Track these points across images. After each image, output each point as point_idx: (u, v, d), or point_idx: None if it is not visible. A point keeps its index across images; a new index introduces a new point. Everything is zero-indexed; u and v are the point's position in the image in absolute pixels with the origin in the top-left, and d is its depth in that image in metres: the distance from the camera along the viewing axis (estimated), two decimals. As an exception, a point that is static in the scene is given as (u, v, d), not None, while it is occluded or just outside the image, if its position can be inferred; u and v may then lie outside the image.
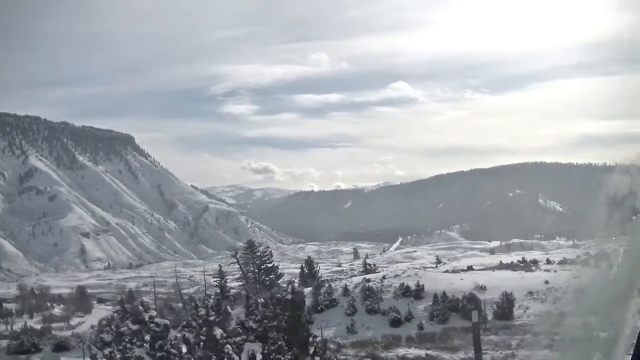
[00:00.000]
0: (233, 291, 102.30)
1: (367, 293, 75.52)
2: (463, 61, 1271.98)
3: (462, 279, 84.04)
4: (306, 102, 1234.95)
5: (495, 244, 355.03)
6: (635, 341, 3.42)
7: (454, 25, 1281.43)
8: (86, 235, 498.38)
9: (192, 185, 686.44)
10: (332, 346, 60.32)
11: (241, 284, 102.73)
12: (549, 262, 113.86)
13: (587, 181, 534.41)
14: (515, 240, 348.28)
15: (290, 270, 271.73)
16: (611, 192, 3.77)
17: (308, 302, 77.44)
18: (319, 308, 75.95)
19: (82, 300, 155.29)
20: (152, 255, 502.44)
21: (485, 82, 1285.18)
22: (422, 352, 54.93)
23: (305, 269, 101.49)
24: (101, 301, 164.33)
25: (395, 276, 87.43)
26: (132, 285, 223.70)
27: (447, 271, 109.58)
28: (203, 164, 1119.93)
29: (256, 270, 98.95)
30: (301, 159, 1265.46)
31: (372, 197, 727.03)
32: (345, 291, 79.61)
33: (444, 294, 72.14)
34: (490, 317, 68.52)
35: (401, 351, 56.15)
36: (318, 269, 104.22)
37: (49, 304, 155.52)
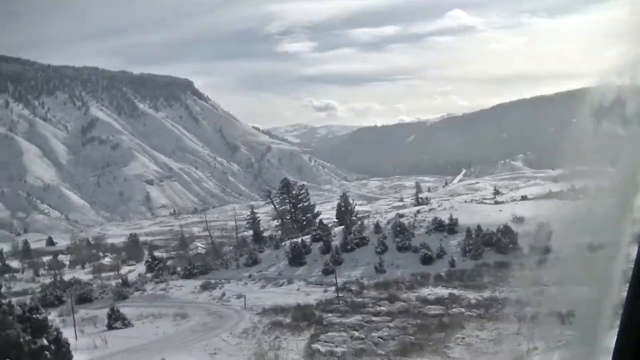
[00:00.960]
0: (268, 232, 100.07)
1: (398, 229, 71.89)
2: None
3: (500, 210, 79.86)
4: (362, 35, 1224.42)
5: (559, 171, 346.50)
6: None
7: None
8: (150, 182, 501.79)
9: (253, 126, 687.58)
10: (353, 287, 57.52)
11: (277, 224, 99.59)
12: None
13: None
14: (580, 168, 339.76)
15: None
16: (596, 101, 3.51)
17: (337, 241, 74.55)
18: (349, 247, 72.58)
19: (134, 249, 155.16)
20: (216, 198, 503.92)
21: (542, 5, 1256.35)
22: (447, 292, 51.91)
23: (341, 206, 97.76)
24: (155, 248, 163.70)
25: (430, 210, 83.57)
26: (195, 229, 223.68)
27: (501, 202, 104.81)
28: (265, 104, 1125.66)
29: (292, 210, 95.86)
30: (362, 93, 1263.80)
31: (435, 129, 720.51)
32: (377, 228, 76.10)
33: (478, 227, 68.58)
34: (525, 250, 64.55)
35: (425, 291, 53.24)
36: (354, 205, 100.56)
37: (101, 254, 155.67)
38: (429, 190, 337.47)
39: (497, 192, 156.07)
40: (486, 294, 50.27)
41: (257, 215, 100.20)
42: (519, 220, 72.02)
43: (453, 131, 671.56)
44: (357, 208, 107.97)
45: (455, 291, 52.19)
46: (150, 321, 51.22)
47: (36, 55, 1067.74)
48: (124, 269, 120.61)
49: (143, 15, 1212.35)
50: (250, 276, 72.43)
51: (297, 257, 73.84)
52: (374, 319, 43.86)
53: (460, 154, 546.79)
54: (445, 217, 74.56)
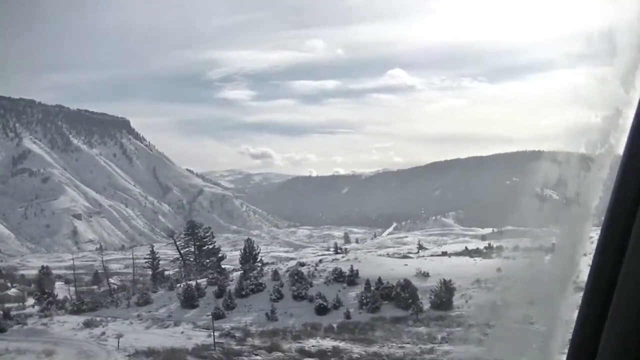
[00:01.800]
0: (169, 272, 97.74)
1: (295, 277, 69.92)
2: (461, 50, 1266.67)
3: (406, 265, 78.87)
4: (302, 88, 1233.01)
5: (487, 230, 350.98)
6: (570, 334, 3.04)
7: (451, 13, 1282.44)
8: (78, 217, 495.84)
9: (187, 169, 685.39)
10: (238, 334, 55.46)
11: (176, 268, 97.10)
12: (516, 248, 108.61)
13: (577, 170, 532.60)
14: (509, 227, 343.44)
15: (276, 253, 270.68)
16: (540, 181, 3.37)
17: (233, 286, 72.62)
18: (243, 292, 70.45)
19: (45, 281, 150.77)
20: (144, 237, 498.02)
21: (484, 71, 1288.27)
22: (333, 344, 50.32)
23: (246, 251, 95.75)
24: (68, 282, 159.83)
25: (333, 260, 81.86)
26: (115, 266, 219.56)
27: (421, 256, 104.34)
28: (201, 148, 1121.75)
29: (196, 252, 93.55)
30: (300, 144, 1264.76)
31: (369, 183, 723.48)
32: (275, 275, 74.14)
33: (379, 280, 66.96)
34: (426, 306, 63.29)
35: (311, 342, 51.59)
36: (258, 250, 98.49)
37: (9, 284, 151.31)
38: (356, 242, 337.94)
39: (420, 247, 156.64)
40: (373, 348, 48.89)
41: (158, 254, 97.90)
42: (423, 275, 71.04)
43: (387, 186, 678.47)
44: (282, 255, 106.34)
45: (341, 344, 50.61)
46: (12, 357, 48.42)
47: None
48: (29, 301, 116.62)
49: (84, 53, 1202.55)
50: (138, 316, 69.55)
51: (189, 300, 71.42)
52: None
53: (393, 208, 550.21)
54: (347, 269, 72.93)
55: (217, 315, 64.32)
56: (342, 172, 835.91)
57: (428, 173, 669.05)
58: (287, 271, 76.11)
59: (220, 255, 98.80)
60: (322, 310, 63.94)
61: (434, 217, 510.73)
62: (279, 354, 46.31)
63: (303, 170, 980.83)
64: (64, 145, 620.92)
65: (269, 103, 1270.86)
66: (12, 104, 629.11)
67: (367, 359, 44.82)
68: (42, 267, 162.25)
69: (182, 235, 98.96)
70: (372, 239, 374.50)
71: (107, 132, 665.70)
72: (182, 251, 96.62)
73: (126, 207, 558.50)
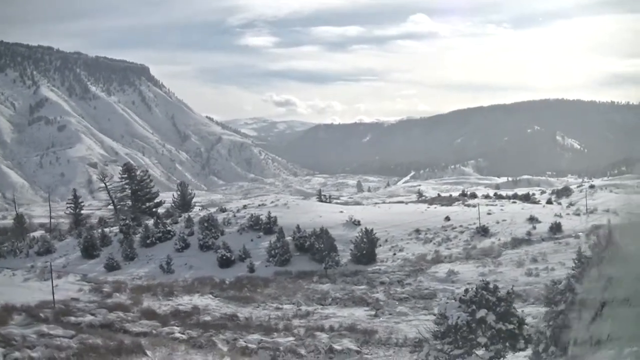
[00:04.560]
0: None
1: (205, 225, 62.25)
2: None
3: (341, 211, 71.16)
4: (325, 34, 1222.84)
5: (502, 179, 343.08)
6: None
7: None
8: (93, 166, 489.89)
9: (207, 116, 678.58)
10: (107, 289, 48.52)
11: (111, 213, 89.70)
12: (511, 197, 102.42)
13: (608, 119, 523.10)
14: (525, 176, 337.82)
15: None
16: (626, 148, 2.56)
17: (138, 235, 65.69)
18: (149, 241, 62.90)
19: (17, 229, 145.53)
20: (160, 186, 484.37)
21: (508, 17, 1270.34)
22: (209, 302, 44.11)
23: (178, 195, 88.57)
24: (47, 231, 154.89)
25: (259, 205, 74.32)
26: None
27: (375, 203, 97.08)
28: (225, 96, 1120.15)
29: (132, 197, 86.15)
30: (324, 92, 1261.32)
31: (392, 131, 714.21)
32: (188, 222, 66.56)
33: (298, 228, 59.21)
34: (346, 259, 55.61)
35: (185, 299, 45.39)
36: (192, 195, 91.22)
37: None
38: (369, 190, 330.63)
39: (420, 195, 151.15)
40: (247, 309, 42.06)
41: (80, 199, 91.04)
42: (354, 223, 63.45)
43: (409, 134, 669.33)
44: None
45: (214, 302, 43.80)
46: None
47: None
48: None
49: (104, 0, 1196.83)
50: (32, 267, 62.56)
51: (89, 249, 64.30)
52: (59, 332, 34.48)
53: (413, 157, 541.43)
54: (275, 214, 65.54)
55: (112, 267, 58.07)
56: (366, 120, 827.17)
57: (451, 121, 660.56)
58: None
59: (158, 200, 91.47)
60: (225, 262, 56.79)
61: (453, 166, 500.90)
62: (126, 314, 39.24)
63: (327, 118, 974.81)
64: (82, 92, 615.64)
65: (292, 50, 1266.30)
66: (29, 52, 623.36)
67: (219, 322, 37.52)
68: (17, 215, 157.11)
69: (117, 179, 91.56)
70: (385, 187, 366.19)
71: (126, 79, 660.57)
72: (119, 195, 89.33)
73: (143, 155, 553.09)
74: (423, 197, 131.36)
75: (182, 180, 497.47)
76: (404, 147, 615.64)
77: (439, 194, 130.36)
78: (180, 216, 74.97)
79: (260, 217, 64.74)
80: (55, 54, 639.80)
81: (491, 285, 21.24)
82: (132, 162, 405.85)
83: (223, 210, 72.88)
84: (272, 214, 65.64)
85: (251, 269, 54.82)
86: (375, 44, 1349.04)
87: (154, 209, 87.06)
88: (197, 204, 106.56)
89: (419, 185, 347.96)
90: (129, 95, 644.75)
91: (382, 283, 49.20)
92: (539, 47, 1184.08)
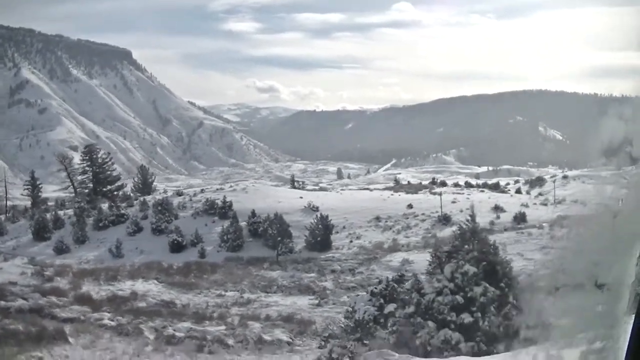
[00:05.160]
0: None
1: (159, 208, 60.59)
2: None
3: (300, 197, 69.67)
4: (308, 21, 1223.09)
5: (483, 169, 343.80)
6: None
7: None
8: (74, 149, 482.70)
9: (189, 101, 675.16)
10: (47, 272, 47.02)
11: (71, 194, 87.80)
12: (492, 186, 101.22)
13: (590, 111, 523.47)
14: (505, 166, 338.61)
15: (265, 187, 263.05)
16: (606, 139, 3.32)
17: (92, 219, 64.01)
18: (101, 224, 61.23)
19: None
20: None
21: (492, 7, 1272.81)
22: (152, 287, 42.80)
23: (138, 179, 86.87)
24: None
25: (217, 190, 72.94)
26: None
27: (339, 189, 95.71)
28: (208, 81, 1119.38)
29: (93, 179, 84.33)
30: (307, 78, 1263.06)
31: (374, 119, 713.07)
32: (142, 205, 64.89)
33: (252, 213, 57.59)
34: (300, 246, 54.19)
35: (128, 284, 43.70)
36: (153, 179, 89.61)
37: None
38: (349, 177, 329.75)
39: (397, 182, 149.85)
40: (188, 295, 40.73)
41: (39, 181, 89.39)
42: (312, 209, 61.98)
43: (391, 122, 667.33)
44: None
45: (157, 288, 42.57)
46: None
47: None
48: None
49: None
50: (-19, 249, 60.88)
51: (40, 231, 62.52)
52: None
53: (395, 145, 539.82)
54: (232, 199, 64.02)
55: (61, 250, 56.62)
56: (349, 107, 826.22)
57: (433, 110, 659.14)
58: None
59: (119, 183, 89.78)
60: (176, 247, 55.32)
61: (434, 155, 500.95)
62: (53, 298, 37.84)
63: (310, 105, 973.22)
64: (63, 75, 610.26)
65: (276, 36, 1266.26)
66: (11, 33, 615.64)
67: (153, 309, 36.18)
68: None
69: (78, 161, 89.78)
70: (365, 174, 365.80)
71: (108, 63, 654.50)
72: (80, 177, 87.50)
73: (124, 139, 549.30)
74: (397, 185, 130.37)
75: (165, 164, 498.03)
76: (386, 135, 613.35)
77: (409, 182, 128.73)
78: (137, 199, 73.33)
79: (216, 201, 63.19)
80: (37, 36, 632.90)
81: (408, 277, 20.10)
82: (112, 145, 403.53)
83: (180, 194, 71.42)
84: (230, 199, 64.14)
85: (202, 254, 53.48)
86: (359, 32, 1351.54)
87: (115, 192, 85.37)
88: (169, 189, 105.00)
89: (399, 173, 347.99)
90: (111, 79, 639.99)
91: (333, 271, 47.97)
92: (522, 37, 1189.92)
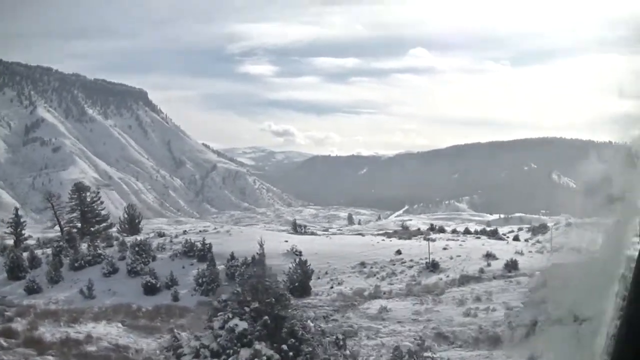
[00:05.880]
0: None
1: (136, 249, 58.77)
2: (484, 32, 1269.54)
3: (286, 241, 67.74)
4: (324, 64, 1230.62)
5: (495, 216, 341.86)
6: (615, 330, 3.14)
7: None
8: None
9: (203, 144, 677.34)
10: (8, 312, 45.45)
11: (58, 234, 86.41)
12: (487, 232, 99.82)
13: (602, 159, 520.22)
14: (517, 214, 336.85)
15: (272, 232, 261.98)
16: (586, 178, 3.61)
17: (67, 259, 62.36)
18: (77, 264, 59.46)
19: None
20: (152, 211, 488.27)
21: (506, 54, 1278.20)
22: (112, 330, 41.12)
23: (125, 217, 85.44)
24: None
25: (200, 232, 71.33)
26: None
27: (332, 234, 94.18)
28: (223, 123, 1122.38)
29: (81, 217, 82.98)
30: (323, 123, 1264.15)
31: (389, 164, 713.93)
32: (122, 246, 63.13)
33: (232, 256, 55.87)
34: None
35: (90, 326, 41.90)
36: (140, 218, 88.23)
37: None
38: (359, 223, 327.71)
39: (405, 228, 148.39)
40: (146, 340, 38.99)
41: (22, 217, 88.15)
42: (295, 254, 60.04)
43: (406, 168, 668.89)
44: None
45: (117, 330, 40.93)
46: None
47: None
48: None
49: (106, 21, 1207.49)
50: (-51, 288, 59.18)
51: (14, 270, 60.72)
52: None
53: (409, 191, 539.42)
54: (213, 242, 62.19)
55: (32, 289, 54.94)
56: (364, 152, 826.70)
57: (448, 156, 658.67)
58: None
59: (108, 222, 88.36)
60: (149, 290, 53.37)
61: (447, 202, 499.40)
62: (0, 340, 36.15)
63: (325, 149, 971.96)
64: (78, 114, 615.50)
65: (292, 80, 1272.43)
66: (28, 71, 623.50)
67: (102, 353, 34.54)
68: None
69: (67, 199, 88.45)
70: (376, 220, 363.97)
71: (124, 103, 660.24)
72: (67, 216, 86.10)
73: (137, 180, 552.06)
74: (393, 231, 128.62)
75: (177, 206, 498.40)
76: (401, 181, 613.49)
77: (400, 228, 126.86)
78: (118, 239, 71.71)
79: (196, 243, 61.30)
80: (54, 74, 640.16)
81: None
82: (125, 186, 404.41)
83: (161, 235, 69.69)
84: (212, 241, 62.36)
85: (175, 298, 51.53)
86: (375, 77, 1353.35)
87: (102, 232, 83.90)
88: (166, 229, 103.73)
89: (410, 219, 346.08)
90: (126, 120, 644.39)
91: (307, 318, 45.85)
92: (537, 84, 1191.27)
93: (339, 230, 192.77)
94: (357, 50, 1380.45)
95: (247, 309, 17.99)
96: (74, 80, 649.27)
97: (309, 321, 21.68)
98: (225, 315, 16.67)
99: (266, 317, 18.26)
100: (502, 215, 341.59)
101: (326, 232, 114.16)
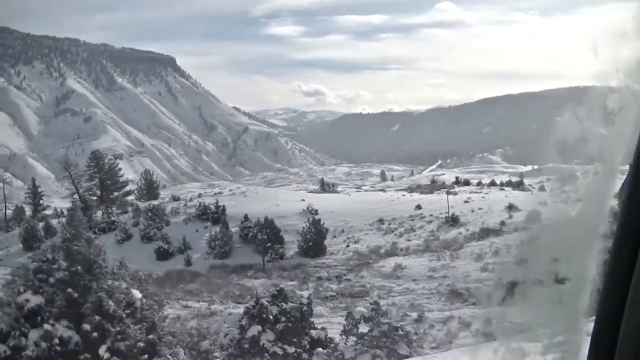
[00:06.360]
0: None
1: (149, 214, 57.77)
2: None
3: (302, 200, 66.20)
4: (350, 23, 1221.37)
5: (528, 168, 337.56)
6: (597, 289, 2.78)
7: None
8: (119, 157, 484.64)
9: (233, 107, 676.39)
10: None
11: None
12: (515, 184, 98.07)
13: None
14: (551, 165, 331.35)
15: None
16: (561, 138, 3.03)
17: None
18: (91, 232, 58.39)
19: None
20: (187, 176, 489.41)
21: (534, 4, 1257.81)
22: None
23: (143, 182, 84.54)
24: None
25: (216, 194, 70.11)
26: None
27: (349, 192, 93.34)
28: (253, 86, 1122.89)
29: (100, 185, 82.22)
30: (353, 81, 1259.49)
31: (420, 120, 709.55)
32: (136, 212, 62.25)
33: (245, 217, 54.62)
34: (292, 251, 51.07)
35: None
36: (158, 183, 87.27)
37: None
38: (392, 179, 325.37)
39: (433, 182, 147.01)
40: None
41: (40, 187, 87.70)
42: (310, 213, 58.62)
43: (437, 123, 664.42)
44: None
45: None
46: None
47: (18, 24, 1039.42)
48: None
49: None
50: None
51: (29, 241, 60.09)
52: None
53: (441, 146, 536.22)
54: (227, 203, 61.12)
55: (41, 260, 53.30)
56: (395, 109, 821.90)
57: (479, 109, 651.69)
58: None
59: (127, 189, 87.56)
60: (162, 255, 52.49)
61: (480, 155, 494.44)
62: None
63: (356, 107, 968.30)
64: (108, 84, 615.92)
65: (319, 39, 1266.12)
66: (56, 43, 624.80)
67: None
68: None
69: (85, 167, 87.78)
70: (409, 176, 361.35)
71: (153, 70, 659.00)
72: (86, 184, 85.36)
73: (169, 146, 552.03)
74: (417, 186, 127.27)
75: (210, 170, 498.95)
76: (433, 136, 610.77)
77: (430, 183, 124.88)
78: (133, 205, 70.89)
79: (210, 206, 60.23)
80: (82, 46, 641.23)
81: (288, 291, 17.07)
82: (157, 153, 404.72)
83: (176, 199, 68.71)
84: (227, 203, 61.25)
85: (188, 262, 50.65)
86: (402, 33, 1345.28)
87: (121, 199, 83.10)
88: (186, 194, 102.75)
89: (443, 174, 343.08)
90: (155, 87, 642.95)
91: (319, 278, 44.91)
92: (566, 34, 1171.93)
93: (372, 187, 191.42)
94: (383, 6, 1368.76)
95: (51, 279, 16.07)
96: (102, 50, 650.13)
97: (134, 293, 18.94)
98: (15, 288, 14.91)
99: (70, 290, 16.21)
100: (535, 167, 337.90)
101: (359, 189, 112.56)
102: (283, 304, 17.15)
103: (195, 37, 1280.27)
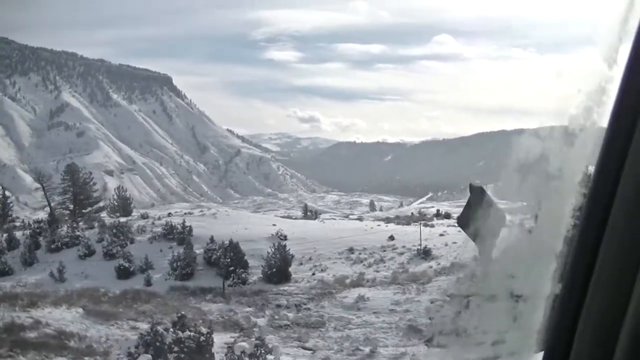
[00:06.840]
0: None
1: (114, 231, 56.49)
2: (510, 20, 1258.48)
3: (273, 225, 64.99)
4: (349, 51, 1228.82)
5: (518, 204, 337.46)
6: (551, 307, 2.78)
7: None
8: (109, 173, 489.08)
9: (227, 129, 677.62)
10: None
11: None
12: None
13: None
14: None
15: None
16: (522, 156, 3.13)
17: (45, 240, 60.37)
18: (53, 246, 57.41)
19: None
20: (176, 196, 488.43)
21: (533, 42, 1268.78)
22: (61, 317, 39.08)
23: (115, 198, 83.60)
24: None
25: (186, 214, 69.08)
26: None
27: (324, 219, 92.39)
28: (249, 109, 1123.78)
29: (73, 199, 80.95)
30: (348, 109, 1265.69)
31: (414, 151, 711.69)
32: (102, 227, 60.97)
33: (211, 239, 53.26)
34: (255, 276, 49.73)
35: (46, 311, 39.86)
36: (131, 200, 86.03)
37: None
38: (381, 209, 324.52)
39: (420, 214, 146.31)
40: (99, 327, 36.83)
41: (9, 198, 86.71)
42: (279, 237, 57.35)
43: (431, 155, 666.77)
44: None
45: (70, 317, 38.74)
46: None
47: (16, 35, 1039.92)
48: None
49: (130, 8, 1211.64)
50: None
51: (-12, 253, 58.83)
52: None
53: (434, 178, 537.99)
54: (194, 224, 59.82)
55: (3, 272, 52.95)
56: (389, 139, 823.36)
57: (474, 143, 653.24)
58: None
59: (101, 205, 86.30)
60: (123, 273, 51.15)
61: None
62: None
63: (351, 135, 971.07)
64: (103, 99, 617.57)
65: (317, 66, 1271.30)
66: (53, 56, 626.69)
67: (41, 340, 32.47)
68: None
69: (60, 181, 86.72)
70: (398, 207, 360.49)
71: (149, 88, 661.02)
72: (59, 198, 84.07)
73: (160, 165, 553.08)
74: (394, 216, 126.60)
75: (200, 191, 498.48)
76: (426, 168, 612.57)
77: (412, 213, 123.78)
78: (100, 221, 69.71)
79: (176, 225, 58.93)
80: (79, 60, 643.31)
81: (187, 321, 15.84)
82: (149, 171, 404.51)
83: (144, 217, 67.48)
84: (196, 224, 59.99)
85: (148, 282, 49.28)
86: (400, 63, 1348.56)
87: (94, 214, 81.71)
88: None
89: (431, 206, 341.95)
90: (151, 105, 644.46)
91: (277, 306, 43.57)
92: (564, 73, 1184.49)
93: (360, 216, 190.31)
94: (382, 36, 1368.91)
95: None
96: (99, 66, 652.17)
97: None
98: None
99: None
100: (524, 203, 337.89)
101: (346, 217, 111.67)
102: (179, 332, 15.75)
103: (194, 57, 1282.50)
